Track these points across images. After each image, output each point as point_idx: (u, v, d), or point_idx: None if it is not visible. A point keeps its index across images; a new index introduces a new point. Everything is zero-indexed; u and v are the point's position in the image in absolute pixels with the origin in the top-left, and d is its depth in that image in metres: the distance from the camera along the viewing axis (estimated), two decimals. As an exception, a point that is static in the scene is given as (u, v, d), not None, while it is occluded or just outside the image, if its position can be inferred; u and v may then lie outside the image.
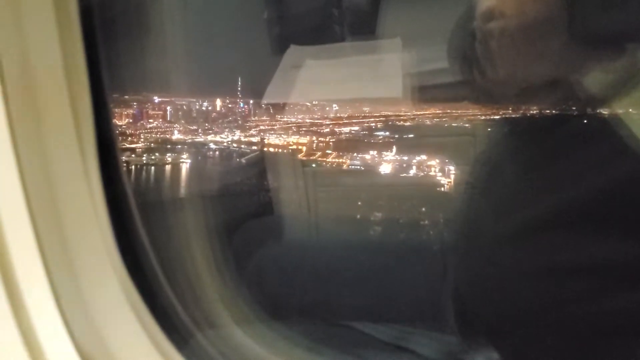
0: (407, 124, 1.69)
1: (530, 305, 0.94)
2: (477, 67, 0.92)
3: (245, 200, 1.92)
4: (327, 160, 1.82)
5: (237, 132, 2.02)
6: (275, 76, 1.32)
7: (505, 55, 0.86)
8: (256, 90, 1.56)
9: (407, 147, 1.79)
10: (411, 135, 1.80)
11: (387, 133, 1.78)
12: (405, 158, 1.76)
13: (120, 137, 1.66)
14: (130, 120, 1.85)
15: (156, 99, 1.95)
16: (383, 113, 1.79)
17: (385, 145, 1.77)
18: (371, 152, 1.77)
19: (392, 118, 1.75)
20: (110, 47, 0.75)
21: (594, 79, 0.86)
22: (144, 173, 1.81)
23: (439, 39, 1.02)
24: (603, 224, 0.86)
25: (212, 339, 0.93)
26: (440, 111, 1.57)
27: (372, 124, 1.81)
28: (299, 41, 1.28)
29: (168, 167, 1.88)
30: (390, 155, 1.75)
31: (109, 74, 0.74)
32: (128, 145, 1.79)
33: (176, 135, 2.03)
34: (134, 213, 0.82)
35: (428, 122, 1.60)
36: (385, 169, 1.80)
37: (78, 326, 0.68)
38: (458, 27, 0.97)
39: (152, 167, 1.85)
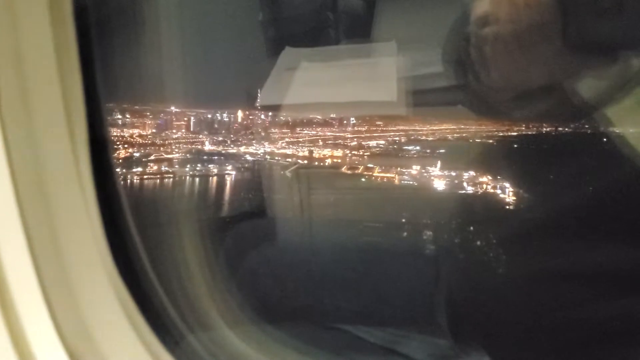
0: (430, 138, 1.72)
1: (522, 309, 0.94)
2: (472, 72, 0.92)
3: (238, 202, 1.93)
4: (374, 174, 1.83)
5: (246, 144, 2.02)
6: (269, 78, 1.32)
7: (499, 61, 0.86)
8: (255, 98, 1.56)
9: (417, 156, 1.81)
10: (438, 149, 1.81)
11: (418, 147, 1.79)
12: (408, 166, 1.77)
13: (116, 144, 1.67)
14: (125, 128, 1.85)
15: (155, 108, 1.94)
16: (400, 127, 1.82)
17: (411, 159, 1.79)
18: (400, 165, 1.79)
19: (411, 132, 1.78)
20: (103, 50, 0.75)
21: (587, 86, 0.87)
22: (137, 176, 1.81)
23: (434, 43, 1.03)
24: (596, 230, 0.86)
25: (203, 340, 0.92)
26: (454, 126, 1.60)
27: (395, 138, 1.83)
28: (294, 44, 1.28)
29: (162, 170, 1.88)
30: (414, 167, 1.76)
31: (102, 77, 0.74)
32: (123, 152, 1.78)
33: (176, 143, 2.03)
34: (126, 213, 0.81)
35: (449, 137, 1.63)
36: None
37: (68, 326, 0.67)
38: (453, 32, 0.97)
39: (147, 171, 1.85)
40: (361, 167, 1.88)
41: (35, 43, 0.63)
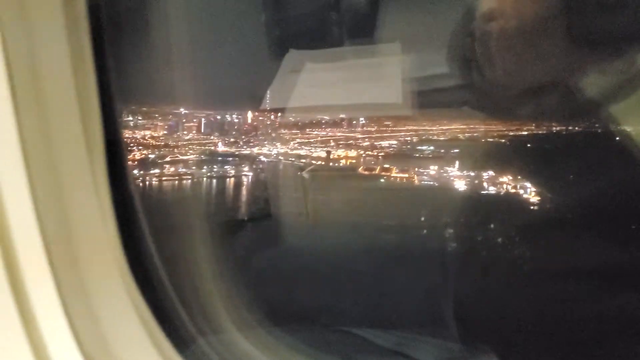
0: (442, 138, 1.73)
1: (530, 310, 0.94)
2: (476, 69, 0.92)
3: (250, 204, 1.93)
4: (393, 175, 1.83)
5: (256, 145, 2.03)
6: (274, 81, 1.32)
7: (504, 56, 0.86)
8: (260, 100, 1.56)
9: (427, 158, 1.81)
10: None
11: (432, 148, 1.80)
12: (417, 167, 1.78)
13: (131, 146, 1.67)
14: (137, 130, 1.86)
15: (165, 110, 1.95)
16: (410, 127, 1.83)
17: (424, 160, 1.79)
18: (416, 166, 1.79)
19: (421, 132, 1.79)
20: (114, 52, 0.75)
21: (592, 82, 0.87)
22: (148, 178, 1.82)
23: (438, 44, 1.03)
24: (601, 228, 0.86)
25: (214, 343, 0.92)
26: (464, 126, 1.61)
27: (407, 138, 1.84)
28: (298, 44, 1.28)
29: (173, 171, 1.89)
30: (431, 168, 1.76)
31: (116, 79, 0.74)
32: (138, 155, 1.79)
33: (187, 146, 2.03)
34: (140, 217, 0.82)
35: (460, 136, 1.63)
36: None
37: (85, 333, 0.68)
38: (458, 29, 0.97)
39: (158, 173, 1.85)
40: (377, 168, 1.88)
41: (50, 45, 0.63)
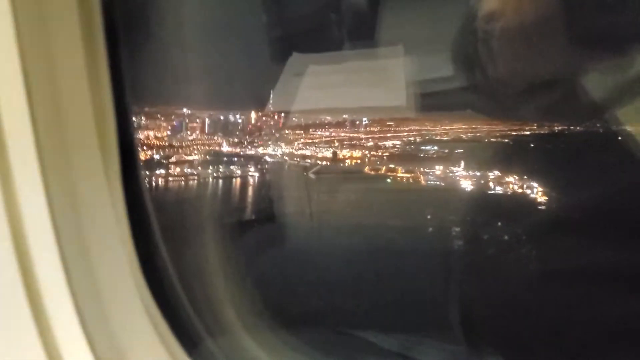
0: (445, 138, 1.73)
1: (536, 311, 0.94)
2: (479, 69, 0.93)
3: (256, 205, 1.93)
4: (398, 175, 1.84)
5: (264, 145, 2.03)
6: (278, 84, 1.33)
7: (505, 54, 0.87)
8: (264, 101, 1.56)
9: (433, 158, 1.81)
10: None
11: (436, 147, 1.80)
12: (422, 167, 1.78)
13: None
14: (140, 131, 1.85)
15: (177, 111, 1.95)
16: (413, 127, 1.83)
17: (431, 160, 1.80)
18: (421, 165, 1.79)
19: (424, 132, 1.79)
20: (130, 55, 0.76)
21: (595, 82, 0.87)
22: (155, 179, 1.82)
23: (441, 46, 1.03)
24: (607, 230, 0.86)
25: (222, 345, 0.93)
26: (466, 126, 1.61)
27: (410, 138, 1.84)
28: (302, 48, 1.28)
29: (178, 172, 1.89)
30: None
31: (130, 83, 0.75)
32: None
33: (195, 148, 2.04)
34: (152, 219, 0.82)
35: (463, 136, 1.63)
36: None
37: (96, 333, 0.68)
38: (461, 29, 0.98)
39: (164, 174, 1.86)
40: (383, 168, 1.88)
41: (66, 44, 0.64)
